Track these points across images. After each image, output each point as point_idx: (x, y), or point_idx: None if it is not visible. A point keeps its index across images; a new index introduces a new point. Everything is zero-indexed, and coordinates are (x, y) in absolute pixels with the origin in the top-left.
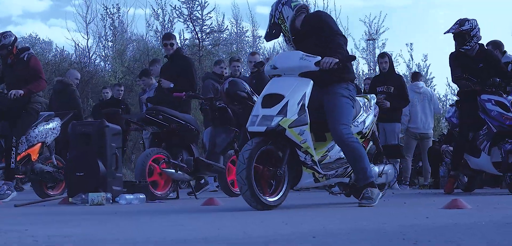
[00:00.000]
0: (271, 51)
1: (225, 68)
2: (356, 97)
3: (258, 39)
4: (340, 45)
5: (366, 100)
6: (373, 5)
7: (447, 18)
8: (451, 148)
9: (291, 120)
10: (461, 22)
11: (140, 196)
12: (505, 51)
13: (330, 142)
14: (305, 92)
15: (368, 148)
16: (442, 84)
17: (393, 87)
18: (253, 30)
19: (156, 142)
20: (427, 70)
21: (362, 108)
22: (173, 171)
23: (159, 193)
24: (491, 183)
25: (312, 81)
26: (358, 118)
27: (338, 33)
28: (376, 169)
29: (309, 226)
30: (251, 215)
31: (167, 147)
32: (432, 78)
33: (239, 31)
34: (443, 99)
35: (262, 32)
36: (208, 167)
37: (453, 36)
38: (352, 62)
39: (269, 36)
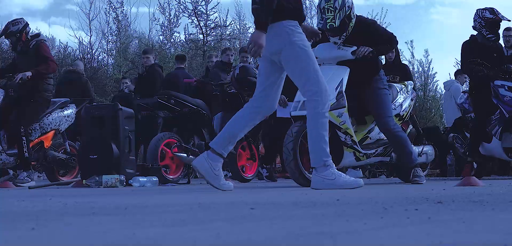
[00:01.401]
0: None
1: (232, 56)
2: (393, 84)
3: None
4: (388, 40)
5: (403, 86)
6: (375, 4)
7: (446, 16)
8: (457, 135)
9: (330, 104)
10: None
11: (153, 179)
12: None
13: (370, 125)
14: (342, 79)
15: (408, 131)
16: (445, 79)
17: (399, 77)
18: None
19: (168, 126)
20: (429, 65)
21: (399, 93)
22: (185, 155)
23: (171, 177)
24: (500, 172)
25: (348, 69)
26: (395, 102)
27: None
28: (417, 149)
29: (333, 195)
30: (272, 189)
31: (178, 132)
32: (434, 73)
33: (241, 28)
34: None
35: None
36: None
37: (495, 23)
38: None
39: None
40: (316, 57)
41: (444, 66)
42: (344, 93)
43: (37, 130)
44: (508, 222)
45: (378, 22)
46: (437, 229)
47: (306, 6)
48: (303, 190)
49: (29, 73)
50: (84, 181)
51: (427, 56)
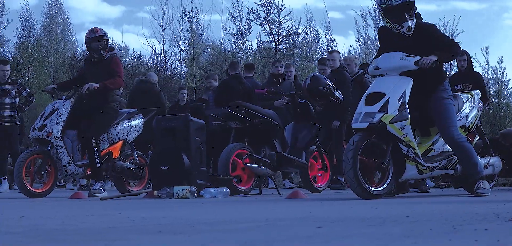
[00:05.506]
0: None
1: (281, 67)
2: (459, 94)
3: (332, 43)
4: (449, 46)
5: (469, 96)
6: (447, 9)
7: None
8: None
9: (392, 116)
10: None
11: (224, 190)
12: None
13: (435, 136)
14: (405, 90)
15: (474, 142)
16: None
17: (471, 85)
18: (327, 35)
19: (239, 137)
20: (503, 72)
21: (464, 104)
22: (256, 165)
23: (242, 187)
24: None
25: (412, 80)
26: (460, 113)
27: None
28: (483, 161)
29: (403, 210)
30: (341, 202)
31: (249, 142)
32: (508, 80)
33: (312, 35)
34: None
35: (335, 36)
36: (290, 162)
37: None
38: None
39: None
40: (378, 68)
41: None
42: (406, 105)
43: (105, 140)
44: None
45: (451, 29)
46: None
47: None
48: (372, 203)
49: (96, 85)
50: (155, 192)
51: (501, 63)
